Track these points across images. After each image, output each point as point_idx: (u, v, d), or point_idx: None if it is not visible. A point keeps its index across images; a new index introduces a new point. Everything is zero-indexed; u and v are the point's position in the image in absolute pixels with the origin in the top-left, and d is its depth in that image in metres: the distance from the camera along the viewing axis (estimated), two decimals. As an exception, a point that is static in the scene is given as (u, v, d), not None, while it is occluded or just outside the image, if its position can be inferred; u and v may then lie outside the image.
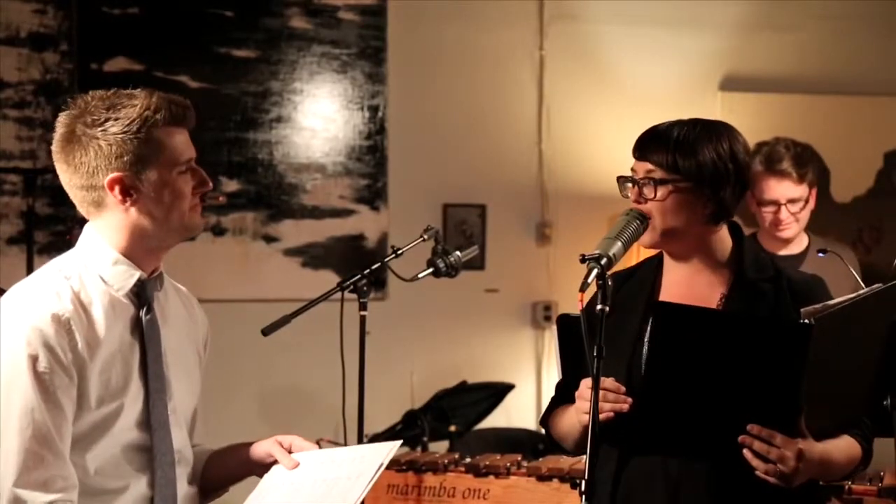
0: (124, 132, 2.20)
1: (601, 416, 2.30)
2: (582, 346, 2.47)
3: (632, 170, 2.51)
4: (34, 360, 2.10)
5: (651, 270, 2.56)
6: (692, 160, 2.44)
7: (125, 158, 2.20)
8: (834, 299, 2.37)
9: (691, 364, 2.25)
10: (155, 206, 2.24)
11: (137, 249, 2.26)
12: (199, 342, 2.44)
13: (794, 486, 2.31)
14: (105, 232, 2.25)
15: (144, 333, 2.25)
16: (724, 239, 2.53)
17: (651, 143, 2.48)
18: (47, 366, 2.10)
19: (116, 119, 2.20)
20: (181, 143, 2.26)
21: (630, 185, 2.50)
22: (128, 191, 2.22)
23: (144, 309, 2.26)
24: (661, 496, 2.41)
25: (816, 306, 2.31)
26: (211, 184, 2.32)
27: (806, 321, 2.25)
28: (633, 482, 2.42)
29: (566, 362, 2.69)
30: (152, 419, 2.22)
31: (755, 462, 2.27)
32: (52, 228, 5.27)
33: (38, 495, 2.08)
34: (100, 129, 2.20)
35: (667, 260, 2.57)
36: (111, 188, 2.22)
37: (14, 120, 5.45)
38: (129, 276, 2.25)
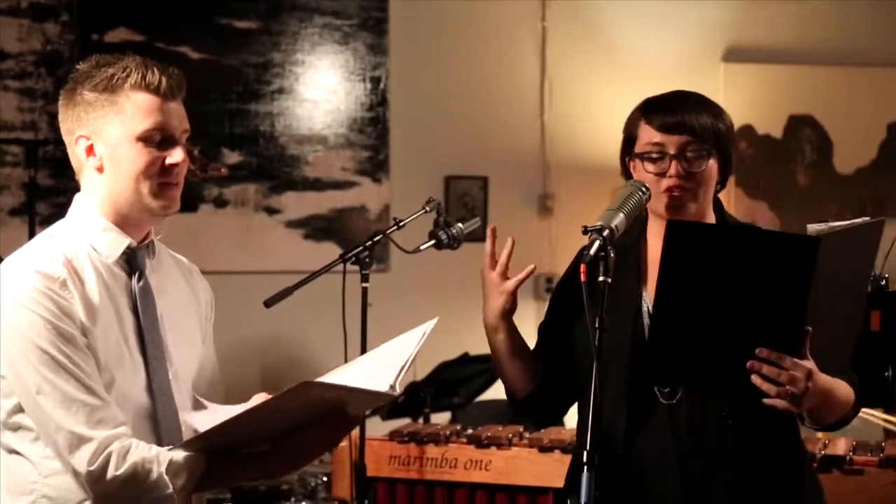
0: (93, 90, 2.20)
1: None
2: (574, 304, 2.48)
3: (656, 143, 2.47)
4: (43, 318, 2.11)
5: (633, 239, 2.54)
6: (725, 128, 2.49)
7: (90, 116, 2.21)
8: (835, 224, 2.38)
9: (703, 284, 2.24)
10: (115, 172, 2.22)
11: (120, 217, 2.24)
12: (202, 310, 2.43)
13: (801, 411, 2.29)
14: (91, 198, 2.25)
15: (137, 301, 2.25)
16: (710, 208, 2.55)
17: (688, 114, 2.46)
18: (57, 320, 2.12)
19: (92, 77, 2.21)
20: (145, 109, 2.19)
21: (660, 158, 2.46)
22: (93, 152, 2.22)
23: (136, 276, 2.26)
24: (668, 447, 2.41)
25: (821, 225, 2.31)
26: (178, 162, 2.21)
27: (812, 235, 2.25)
28: (638, 425, 2.42)
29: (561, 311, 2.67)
30: (154, 385, 2.22)
31: (765, 386, 2.23)
32: (54, 200, 5.27)
33: (99, 432, 2.10)
34: (80, 85, 2.22)
35: (651, 228, 2.56)
36: (77, 146, 2.23)
37: (15, 91, 5.44)
38: (118, 243, 2.24)
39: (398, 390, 2.17)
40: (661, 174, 2.46)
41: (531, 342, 2.69)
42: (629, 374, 2.43)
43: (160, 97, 2.20)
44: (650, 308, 2.47)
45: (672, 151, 2.45)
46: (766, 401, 2.26)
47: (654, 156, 2.47)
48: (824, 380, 2.30)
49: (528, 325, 2.73)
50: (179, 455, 2.12)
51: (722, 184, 2.54)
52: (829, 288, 2.26)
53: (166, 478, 2.10)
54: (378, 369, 2.23)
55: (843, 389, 2.40)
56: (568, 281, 2.67)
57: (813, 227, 2.30)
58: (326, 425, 2.19)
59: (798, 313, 2.23)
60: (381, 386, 2.15)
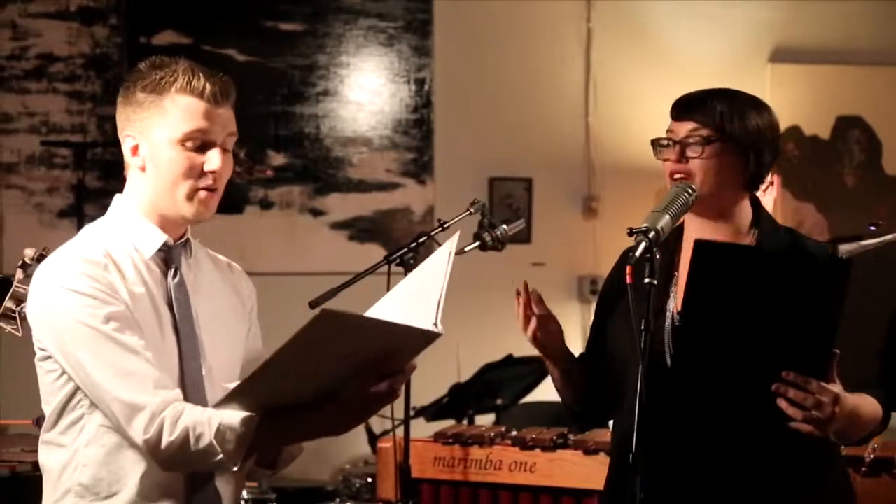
0: (143, 90, 2.24)
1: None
2: (614, 305, 2.52)
3: (669, 131, 2.47)
4: (87, 295, 2.14)
5: (670, 242, 2.51)
6: (741, 121, 2.43)
7: (138, 116, 2.25)
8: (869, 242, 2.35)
9: (730, 304, 2.21)
10: (155, 174, 2.25)
11: (159, 216, 2.28)
12: (245, 307, 2.44)
13: (827, 435, 2.25)
14: (132, 197, 2.29)
15: (172, 296, 2.27)
16: (746, 209, 2.51)
17: (696, 102, 2.45)
18: (102, 294, 2.15)
19: (145, 77, 2.25)
20: (187, 112, 2.21)
21: (668, 145, 2.45)
22: (137, 152, 2.26)
23: (172, 272, 2.28)
24: (678, 448, 2.38)
25: (853, 245, 2.28)
26: (215, 168, 2.22)
27: (844, 257, 2.22)
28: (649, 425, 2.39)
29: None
30: (185, 378, 2.24)
31: (791, 411, 2.20)
32: (102, 202, 5.29)
33: (152, 398, 2.11)
34: (134, 85, 2.26)
35: (687, 230, 2.54)
36: (124, 144, 2.27)
37: (64, 94, 5.50)
38: (155, 240, 2.27)
39: (440, 328, 2.12)
40: (666, 160, 2.46)
41: (575, 341, 2.69)
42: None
43: (204, 101, 2.22)
44: (675, 310, 2.45)
45: (678, 138, 2.45)
46: (791, 424, 2.23)
47: (664, 143, 2.47)
48: (851, 401, 2.27)
49: (572, 327, 2.73)
50: (230, 419, 2.10)
51: (752, 184, 2.48)
52: (859, 304, 2.23)
53: (215, 443, 2.09)
54: (412, 305, 2.19)
55: (869, 407, 2.36)
56: (611, 282, 2.66)
57: (845, 248, 2.27)
58: (378, 374, 2.13)
59: (827, 337, 2.20)
60: (423, 324, 2.11)
